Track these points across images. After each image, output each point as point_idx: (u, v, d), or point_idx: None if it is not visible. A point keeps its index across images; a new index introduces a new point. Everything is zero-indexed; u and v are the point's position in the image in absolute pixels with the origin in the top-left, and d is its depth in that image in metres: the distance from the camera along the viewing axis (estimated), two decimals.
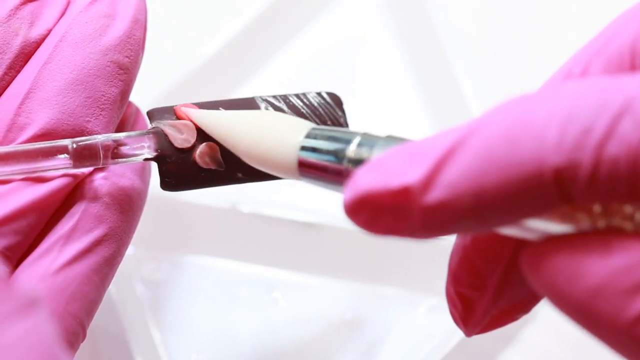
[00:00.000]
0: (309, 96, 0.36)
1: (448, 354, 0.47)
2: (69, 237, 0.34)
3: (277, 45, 0.53)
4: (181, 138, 0.35)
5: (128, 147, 0.34)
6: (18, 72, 0.35)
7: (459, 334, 0.47)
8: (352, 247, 0.49)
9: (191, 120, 0.35)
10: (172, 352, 0.47)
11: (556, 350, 0.49)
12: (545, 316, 0.49)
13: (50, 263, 0.34)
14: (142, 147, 0.34)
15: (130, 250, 0.48)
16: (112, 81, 0.35)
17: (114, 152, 0.34)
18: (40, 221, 0.34)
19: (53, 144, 0.34)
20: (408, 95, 0.53)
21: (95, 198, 0.35)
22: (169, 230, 0.49)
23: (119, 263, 0.36)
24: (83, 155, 0.34)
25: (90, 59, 0.35)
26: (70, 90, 0.35)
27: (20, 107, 0.34)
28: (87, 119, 0.35)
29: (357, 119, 0.52)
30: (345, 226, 0.48)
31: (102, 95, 0.35)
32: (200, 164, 0.35)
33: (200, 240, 0.49)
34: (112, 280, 0.46)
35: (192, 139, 0.35)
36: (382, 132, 0.52)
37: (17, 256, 0.34)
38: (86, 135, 0.35)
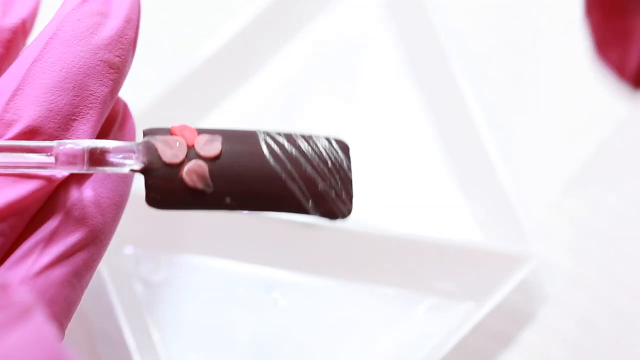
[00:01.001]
0: (314, 137, 0.36)
1: (447, 354, 0.47)
2: (49, 239, 0.34)
3: (277, 46, 0.53)
4: (171, 153, 0.34)
5: (115, 155, 0.34)
6: None
7: (458, 334, 0.47)
8: (352, 247, 0.49)
9: (185, 139, 0.35)
10: (171, 351, 0.47)
11: (555, 351, 0.49)
12: (544, 317, 0.49)
13: (31, 266, 0.34)
14: (130, 157, 0.34)
15: (129, 250, 0.48)
16: (101, 80, 0.35)
17: (100, 158, 0.34)
18: (21, 222, 0.34)
19: (39, 144, 0.34)
20: (408, 95, 0.53)
21: (78, 201, 0.35)
22: (167, 230, 0.49)
23: (97, 265, 0.36)
24: (67, 159, 0.34)
25: (80, 57, 0.35)
26: (58, 88, 0.34)
27: (8, 104, 0.34)
28: (74, 117, 0.35)
29: (357, 119, 0.52)
30: (345, 226, 0.48)
31: (91, 94, 0.35)
32: (187, 182, 0.34)
33: (199, 240, 0.49)
34: (111, 280, 0.46)
35: (182, 155, 0.34)
36: (383, 134, 0.52)
37: None
38: (72, 133, 0.35)
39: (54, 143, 0.34)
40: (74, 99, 0.35)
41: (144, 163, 0.34)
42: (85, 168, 0.34)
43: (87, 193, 0.35)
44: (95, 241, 0.35)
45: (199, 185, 0.34)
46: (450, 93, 0.51)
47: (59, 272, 0.34)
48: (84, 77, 0.35)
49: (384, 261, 0.49)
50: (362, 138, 0.52)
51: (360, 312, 0.49)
